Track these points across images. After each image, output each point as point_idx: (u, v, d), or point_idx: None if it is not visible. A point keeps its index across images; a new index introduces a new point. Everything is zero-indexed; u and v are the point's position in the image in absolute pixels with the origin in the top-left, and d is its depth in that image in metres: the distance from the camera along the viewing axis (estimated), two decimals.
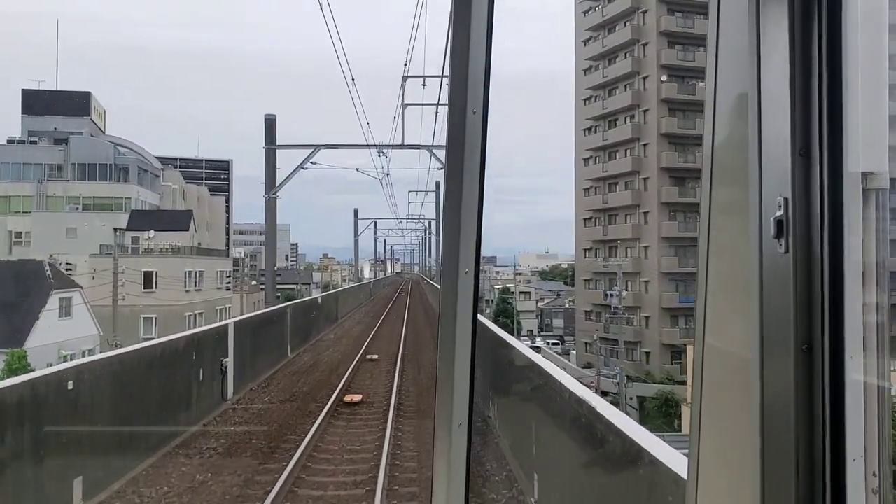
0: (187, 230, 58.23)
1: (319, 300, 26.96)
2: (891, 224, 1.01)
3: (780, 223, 0.98)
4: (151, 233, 54.20)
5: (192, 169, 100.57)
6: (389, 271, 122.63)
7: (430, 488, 1.40)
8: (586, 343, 57.64)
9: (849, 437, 0.98)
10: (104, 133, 65.54)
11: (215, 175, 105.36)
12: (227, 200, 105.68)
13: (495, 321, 46.65)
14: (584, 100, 62.53)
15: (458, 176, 1.32)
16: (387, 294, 60.35)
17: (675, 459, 3.47)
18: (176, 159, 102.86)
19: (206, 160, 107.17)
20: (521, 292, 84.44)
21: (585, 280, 63.46)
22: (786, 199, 0.98)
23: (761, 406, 1.00)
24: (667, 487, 3.50)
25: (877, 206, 1.00)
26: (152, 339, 14.18)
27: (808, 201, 0.98)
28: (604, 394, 31.73)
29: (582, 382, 6.11)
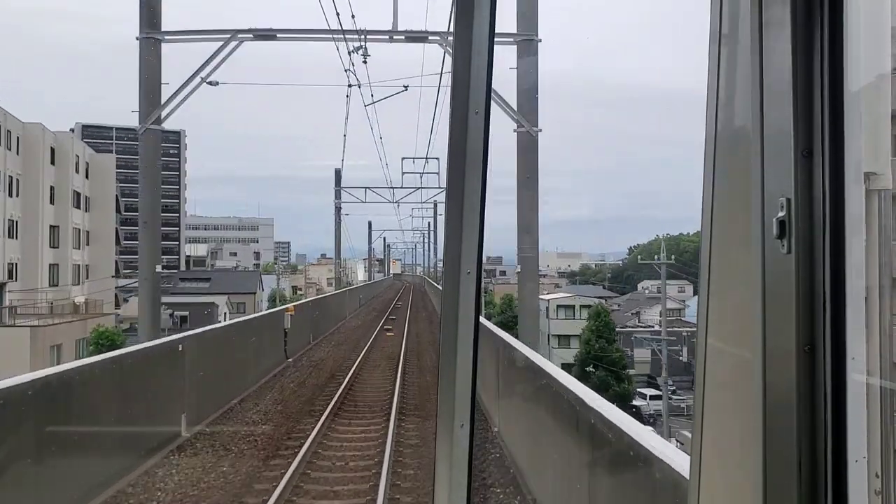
0: None
1: None
2: (893, 225, 1.11)
3: (782, 224, 1.06)
4: None
5: (129, 142, 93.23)
6: (387, 272, 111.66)
7: (432, 490, 1.52)
8: None
9: (851, 439, 1.06)
10: None
11: (163, 149, 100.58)
12: (179, 181, 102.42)
13: (582, 376, 28.69)
14: None
15: (460, 176, 1.42)
16: (344, 347, 23.17)
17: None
18: (111, 128, 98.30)
19: None
20: (562, 305, 58.93)
21: None
22: (788, 200, 1.06)
23: (763, 407, 1.08)
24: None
25: (879, 207, 1.09)
26: None
27: (810, 202, 1.06)
28: None
29: None
